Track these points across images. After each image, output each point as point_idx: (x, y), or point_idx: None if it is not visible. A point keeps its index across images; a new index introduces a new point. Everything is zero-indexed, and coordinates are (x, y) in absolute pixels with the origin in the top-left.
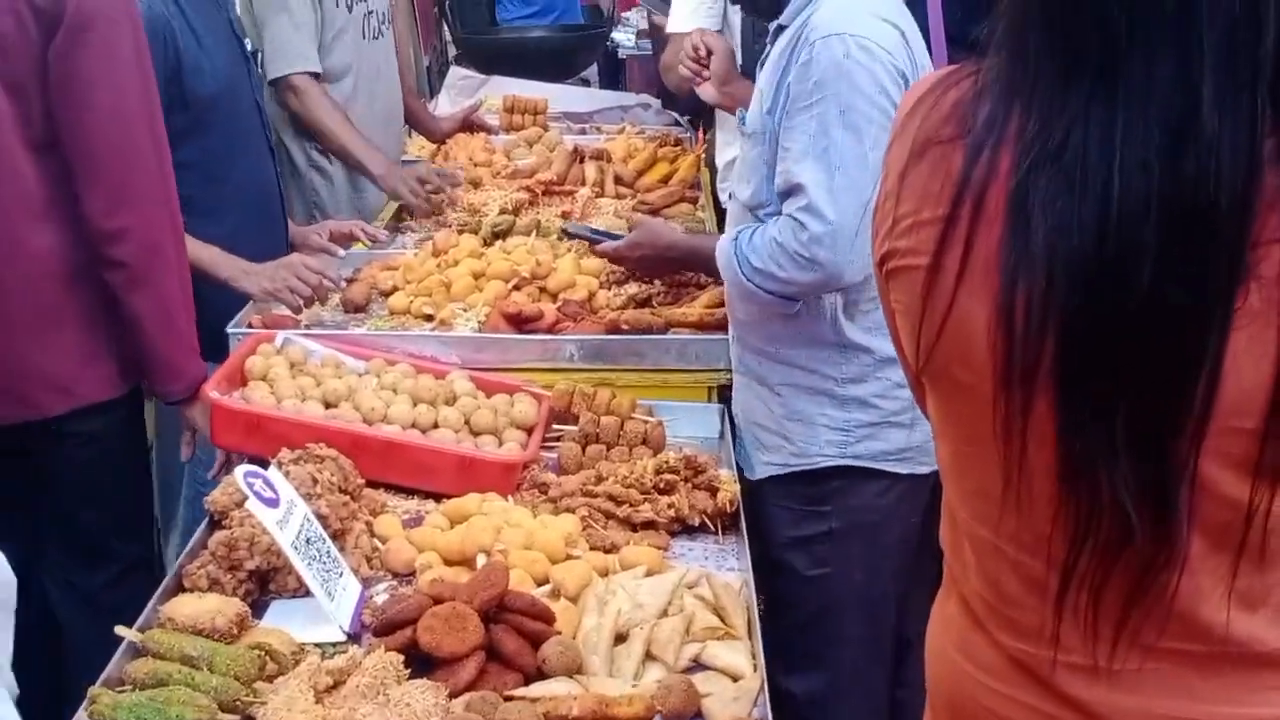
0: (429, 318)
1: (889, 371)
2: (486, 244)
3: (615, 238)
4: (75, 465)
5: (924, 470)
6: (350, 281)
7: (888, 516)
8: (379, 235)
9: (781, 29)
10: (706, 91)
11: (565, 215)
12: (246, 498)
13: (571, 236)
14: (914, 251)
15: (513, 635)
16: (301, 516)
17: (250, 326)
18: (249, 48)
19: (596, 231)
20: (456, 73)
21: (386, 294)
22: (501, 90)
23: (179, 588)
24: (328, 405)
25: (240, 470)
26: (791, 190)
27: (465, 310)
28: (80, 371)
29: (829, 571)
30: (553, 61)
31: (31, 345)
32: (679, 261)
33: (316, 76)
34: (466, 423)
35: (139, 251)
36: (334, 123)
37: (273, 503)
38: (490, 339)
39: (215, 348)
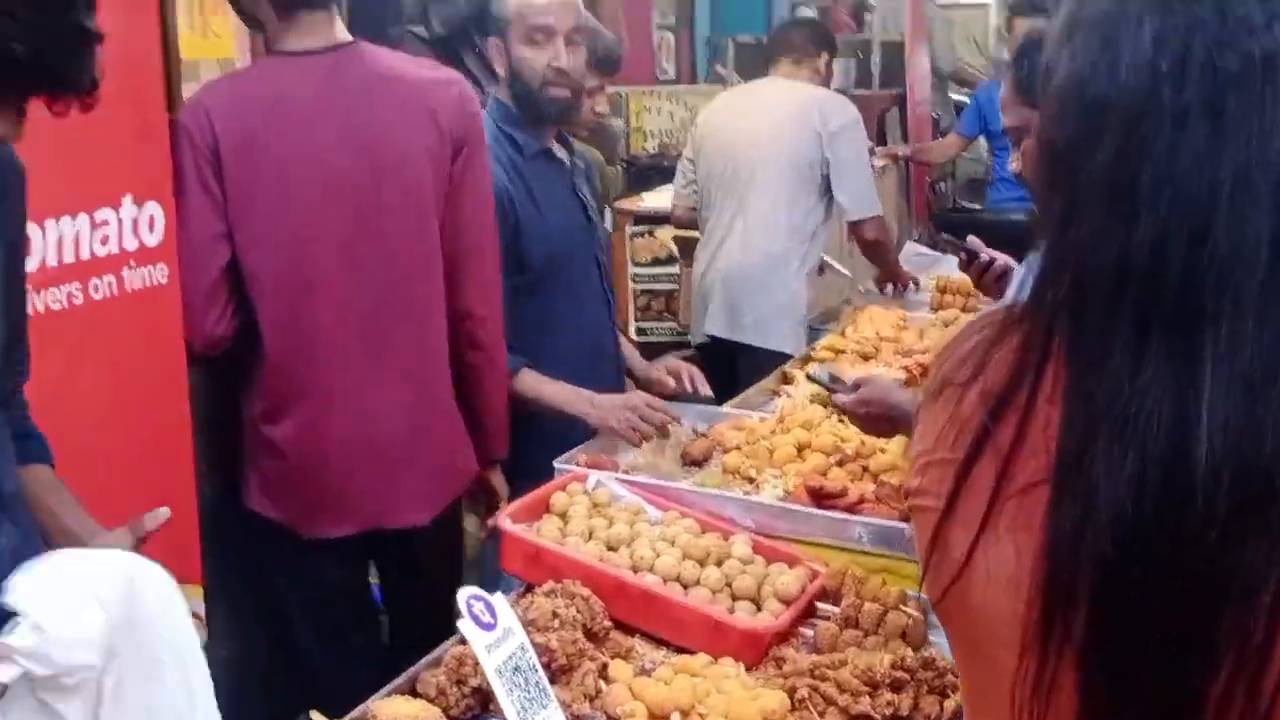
0: (751, 479)
1: None
2: (830, 416)
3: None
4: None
5: None
6: (699, 436)
7: None
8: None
9: None
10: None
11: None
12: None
13: (813, 380)
14: (925, 492)
15: None
16: (516, 645)
17: (577, 465)
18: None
19: (835, 380)
20: (912, 248)
21: (726, 451)
22: (952, 270)
23: (411, 689)
24: (610, 548)
25: (464, 592)
26: None
27: (777, 477)
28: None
29: None
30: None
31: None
32: (903, 425)
33: None
34: (729, 585)
35: (494, 336)
36: None
37: (489, 627)
38: (784, 509)
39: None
